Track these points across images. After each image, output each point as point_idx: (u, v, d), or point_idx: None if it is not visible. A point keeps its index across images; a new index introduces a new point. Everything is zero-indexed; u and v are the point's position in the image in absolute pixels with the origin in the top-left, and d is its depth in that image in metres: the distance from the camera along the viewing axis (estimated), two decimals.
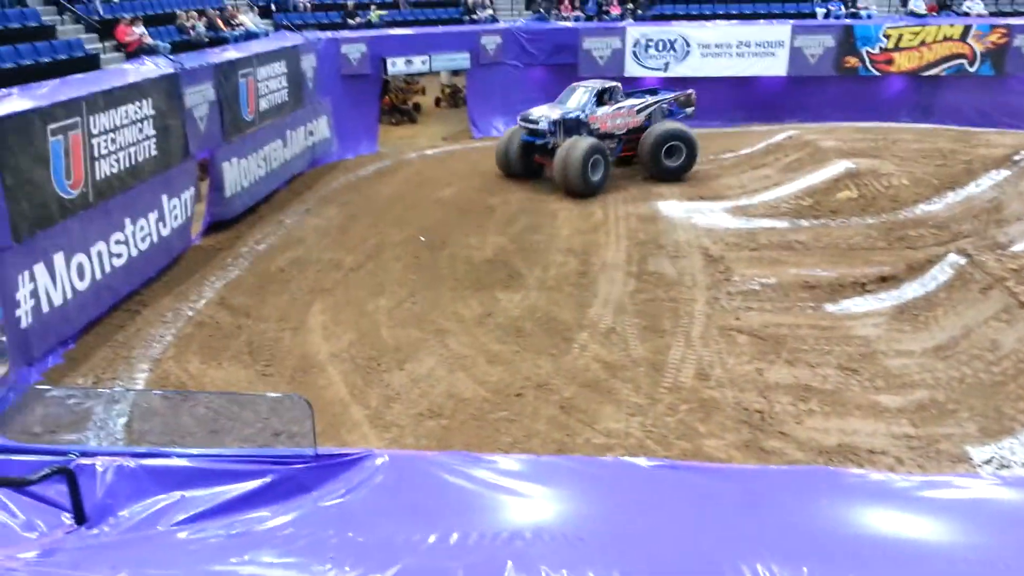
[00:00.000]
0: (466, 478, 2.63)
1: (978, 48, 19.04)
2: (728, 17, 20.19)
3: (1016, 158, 11.67)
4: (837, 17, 20.14)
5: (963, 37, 19.08)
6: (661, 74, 19.24)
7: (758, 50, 19.21)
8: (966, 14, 20.03)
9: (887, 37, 19.10)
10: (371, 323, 8.62)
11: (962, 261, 8.66)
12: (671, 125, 14.05)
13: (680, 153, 13.83)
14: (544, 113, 13.92)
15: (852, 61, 19.10)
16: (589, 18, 20.30)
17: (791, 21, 19.45)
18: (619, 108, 14.19)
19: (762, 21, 19.65)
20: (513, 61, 18.87)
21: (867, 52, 19.07)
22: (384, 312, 8.87)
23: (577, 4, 20.62)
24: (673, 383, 7.15)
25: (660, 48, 19.16)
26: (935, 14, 20.16)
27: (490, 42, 18.53)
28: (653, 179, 13.90)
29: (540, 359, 7.68)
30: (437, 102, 22.44)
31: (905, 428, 6.26)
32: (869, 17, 20.12)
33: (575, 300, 9.09)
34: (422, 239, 11.14)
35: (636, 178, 14.14)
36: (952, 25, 19.28)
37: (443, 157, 16.77)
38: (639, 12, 20.47)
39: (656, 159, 13.82)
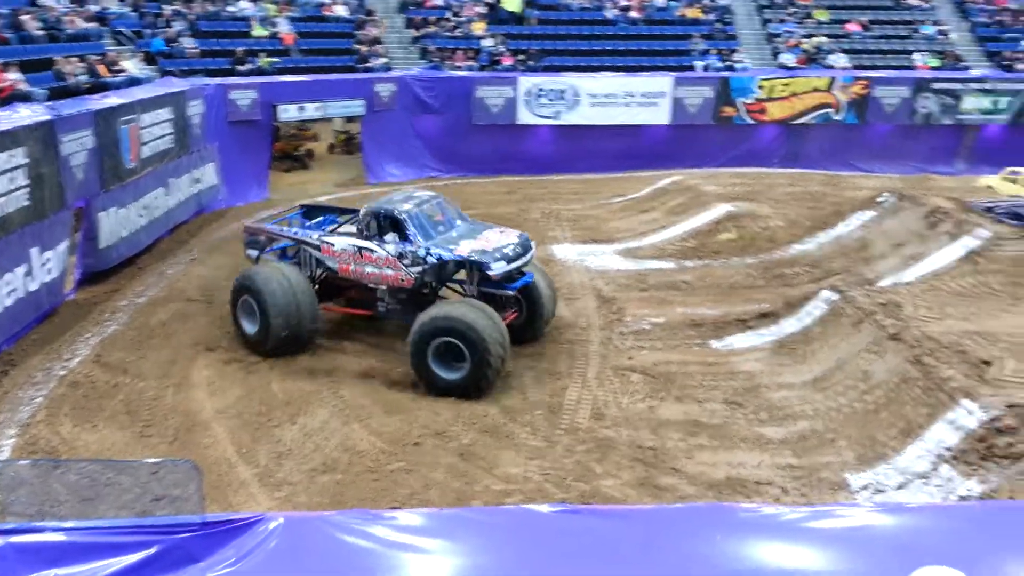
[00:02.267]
0: (365, 537, 2.57)
1: (843, 98, 20.60)
2: (614, 69, 21.08)
3: (879, 200, 12.61)
4: (715, 70, 21.38)
5: (829, 88, 20.62)
6: (553, 122, 19.86)
7: (643, 100, 20.12)
8: (831, 67, 21.68)
9: (761, 88, 20.41)
10: (260, 376, 8.34)
11: (835, 297, 9.23)
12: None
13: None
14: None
15: (729, 111, 20.28)
16: (482, 68, 20.75)
17: (672, 73, 20.51)
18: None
19: (645, 73, 20.63)
20: (407, 109, 19.05)
21: (742, 102, 20.29)
22: (274, 364, 8.61)
23: (470, 55, 21.05)
24: (570, 424, 7.25)
25: (551, 97, 19.77)
26: (804, 66, 21.70)
27: (384, 89, 18.63)
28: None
29: (438, 406, 7.63)
30: (331, 148, 22.28)
31: (788, 459, 6.57)
32: (744, 69, 21.45)
33: None
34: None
35: (528, 221, 14.39)
36: (819, 77, 20.82)
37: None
38: (530, 63, 21.10)
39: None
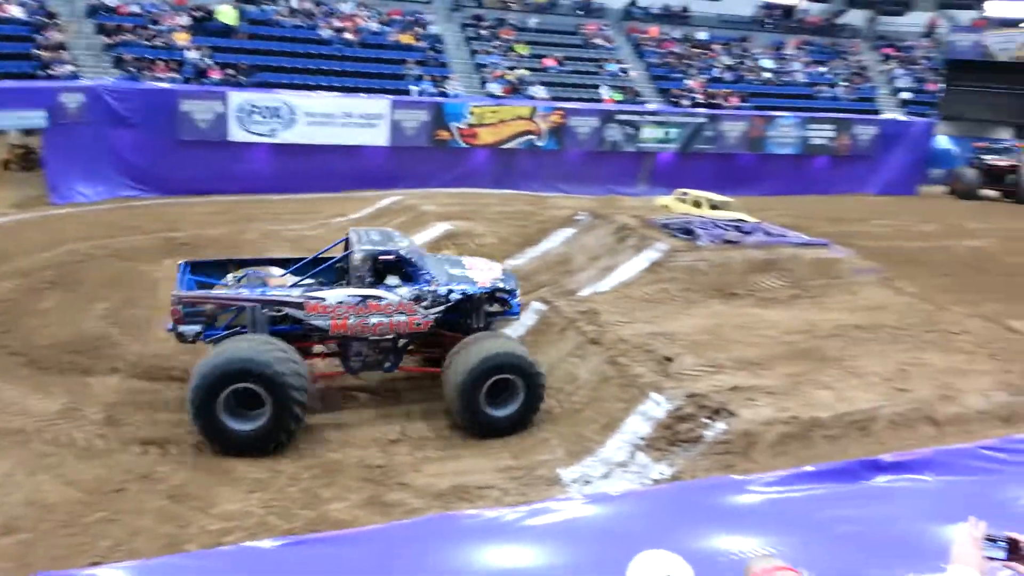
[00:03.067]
0: None
1: (543, 126, 22.39)
2: (330, 89, 20.92)
3: (577, 218, 13.86)
4: (429, 95, 22.12)
5: (531, 116, 22.30)
6: (269, 140, 19.15)
7: (361, 121, 20.21)
8: (533, 97, 23.50)
9: (472, 114, 21.50)
10: None
11: (544, 307, 9.98)
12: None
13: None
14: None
15: (444, 134, 21.10)
16: (187, 80, 19.42)
17: (390, 96, 20.86)
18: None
19: (364, 95, 20.74)
20: (100, 122, 17.20)
21: (456, 127, 21.22)
22: None
23: (173, 66, 19.61)
24: (295, 452, 7.01)
25: (266, 115, 19.08)
26: (509, 96, 23.29)
27: (72, 100, 16.68)
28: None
29: (143, 447, 6.95)
30: (5, 164, 19.41)
31: (507, 461, 6.96)
32: (456, 96, 22.46)
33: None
34: None
35: (245, 243, 13.71)
36: (523, 106, 22.45)
37: (13, 227, 14.48)
38: (241, 78, 20.17)
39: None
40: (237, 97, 18.82)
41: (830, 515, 4.47)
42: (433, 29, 25.36)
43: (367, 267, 7.76)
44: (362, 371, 8.18)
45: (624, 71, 26.69)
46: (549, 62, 25.68)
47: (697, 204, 16.91)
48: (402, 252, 7.92)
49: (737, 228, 13.03)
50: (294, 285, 7.90)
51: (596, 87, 25.39)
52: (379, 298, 7.74)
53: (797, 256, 11.82)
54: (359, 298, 7.69)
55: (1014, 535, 2.16)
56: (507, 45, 25.81)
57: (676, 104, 25.54)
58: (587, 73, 26.07)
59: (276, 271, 8.49)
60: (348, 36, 23.21)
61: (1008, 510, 4.50)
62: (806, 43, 31.38)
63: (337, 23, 23.55)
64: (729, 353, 8.54)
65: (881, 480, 4.85)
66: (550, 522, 4.04)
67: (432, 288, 7.93)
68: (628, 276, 11.15)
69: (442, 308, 7.97)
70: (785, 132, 25.49)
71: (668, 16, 30.33)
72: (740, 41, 30.37)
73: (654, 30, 29.21)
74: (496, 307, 8.50)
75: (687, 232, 12.30)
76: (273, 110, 19.10)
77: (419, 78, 22.84)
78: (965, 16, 32.73)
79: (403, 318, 7.84)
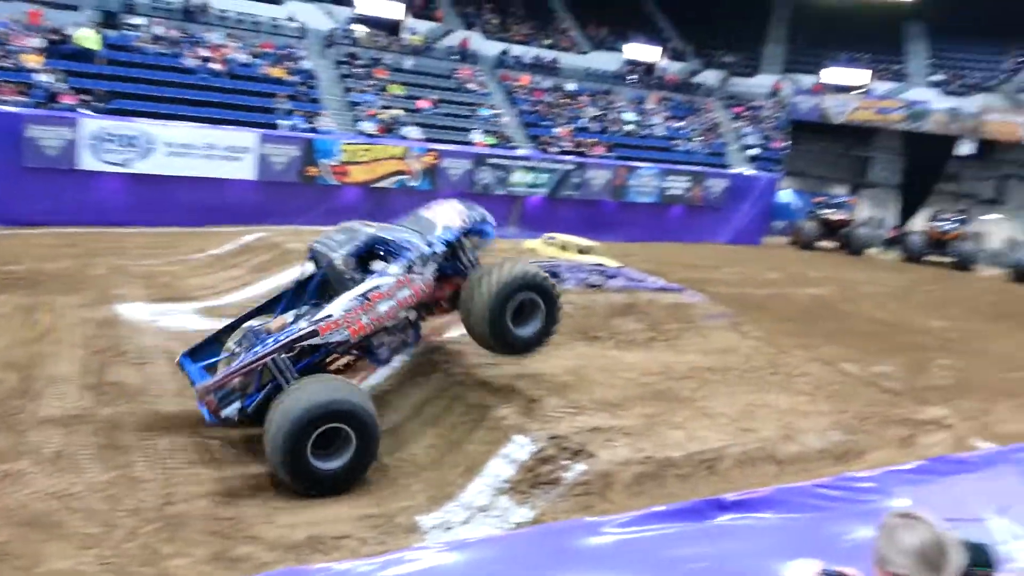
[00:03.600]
0: None
1: (417, 166, 22.47)
2: (194, 119, 20.15)
3: None
4: (300, 130, 21.75)
5: (404, 157, 22.33)
6: (123, 170, 18.16)
7: (226, 154, 19.54)
8: (406, 137, 23.59)
9: (344, 151, 21.28)
10: None
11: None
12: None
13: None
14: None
15: (314, 171, 20.75)
16: (38, 104, 18.19)
17: (258, 130, 20.33)
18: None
19: (229, 127, 20.11)
20: None
21: (327, 164, 20.92)
22: None
23: (23, 88, 18.32)
24: (135, 505, 6.54)
25: (122, 143, 18.10)
26: (383, 135, 23.27)
27: None
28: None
29: None
30: None
31: (367, 508, 6.78)
32: (328, 133, 22.20)
33: (7, 424, 7.71)
34: None
35: (91, 278, 12.85)
36: (396, 146, 22.47)
37: None
38: (97, 104, 19.10)
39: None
40: (91, 124, 17.77)
41: (679, 554, 4.63)
42: (305, 64, 25.07)
43: (351, 267, 7.87)
44: (391, 358, 8.48)
45: (496, 116, 27.33)
46: (423, 104, 25.93)
47: (564, 248, 17.38)
48: (375, 236, 8.12)
49: (601, 273, 13.50)
50: (295, 320, 7.87)
51: (469, 130, 25.84)
52: (377, 287, 7.79)
53: (655, 301, 12.37)
54: (360, 297, 7.71)
55: (846, 570, 2.30)
56: (381, 85, 25.88)
57: (545, 151, 26.36)
58: (460, 116, 26.51)
59: (265, 318, 8.37)
60: (215, 66, 22.53)
61: (840, 546, 4.82)
62: (665, 99, 33.34)
63: (204, 52, 22.82)
64: (591, 394, 8.78)
65: (725, 518, 5.08)
66: (405, 572, 3.97)
67: (416, 253, 8.05)
68: None
69: (434, 265, 8.19)
70: (645, 182, 26.80)
71: (539, 66, 31.43)
72: (605, 94, 31.88)
73: (526, 79, 30.18)
74: (475, 239, 8.73)
75: (553, 275, 12.61)
76: (129, 139, 18.14)
77: (290, 112, 22.43)
78: (806, 81, 35.84)
79: (407, 292, 7.96)
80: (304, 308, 8.13)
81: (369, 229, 8.31)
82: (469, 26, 31.96)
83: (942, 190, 33.48)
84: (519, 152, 25.43)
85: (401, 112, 24.74)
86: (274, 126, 21.55)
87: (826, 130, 33.87)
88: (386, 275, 7.89)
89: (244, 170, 19.73)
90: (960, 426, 9.42)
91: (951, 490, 5.10)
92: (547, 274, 8.41)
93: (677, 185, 27.54)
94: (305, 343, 7.49)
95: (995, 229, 32.82)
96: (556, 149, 26.62)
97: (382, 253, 8.13)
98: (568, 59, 32.77)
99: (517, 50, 31.68)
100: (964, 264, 27.60)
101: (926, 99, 32.51)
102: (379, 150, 21.98)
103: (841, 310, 17.49)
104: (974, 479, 5.12)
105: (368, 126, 23.51)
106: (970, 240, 29.65)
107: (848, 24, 35.59)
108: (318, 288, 8.28)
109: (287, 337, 7.45)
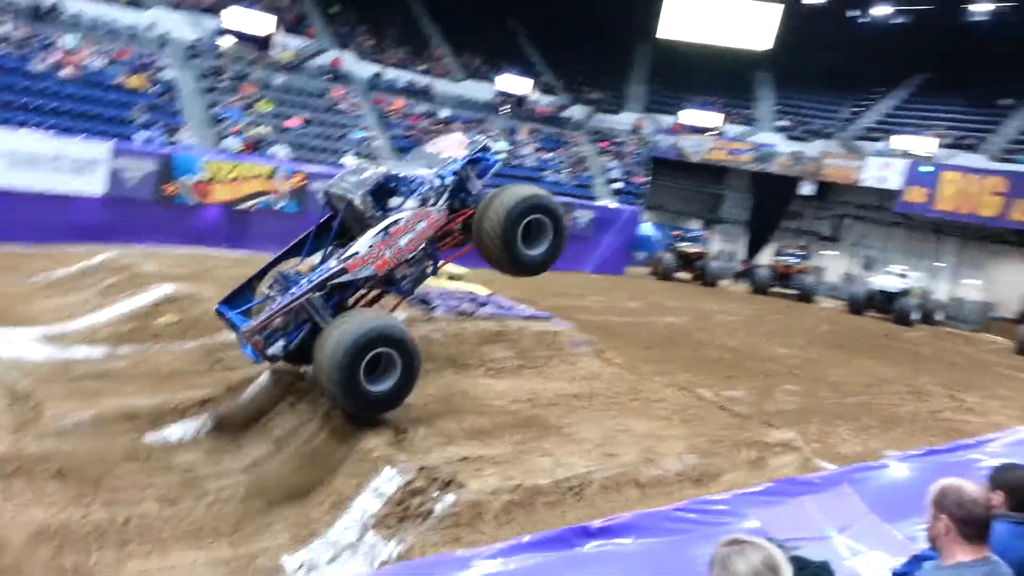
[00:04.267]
0: None
1: (284, 187, 21.85)
2: (39, 127, 18.74)
3: None
4: (158, 144, 20.67)
5: (271, 176, 21.67)
6: None
7: (74, 167, 18.26)
8: (274, 156, 22.90)
9: (205, 169, 20.39)
10: None
11: (273, 379, 9.54)
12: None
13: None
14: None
15: (172, 188, 19.74)
16: None
17: (110, 141, 19.14)
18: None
19: (78, 137, 18.82)
20: None
21: (186, 181, 19.97)
22: None
23: None
24: None
25: None
26: (249, 152, 22.48)
27: None
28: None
29: None
30: None
31: (224, 551, 6.46)
32: (190, 148, 21.22)
33: None
34: None
35: None
36: (263, 165, 21.76)
37: None
38: None
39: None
40: None
41: None
42: (167, 75, 23.91)
43: (371, 205, 8.28)
44: (414, 290, 9.06)
45: (368, 139, 27.09)
46: (293, 122, 25.31)
47: (435, 274, 17.38)
48: (387, 174, 8.58)
49: (472, 300, 13.58)
50: (322, 260, 8.38)
51: (340, 152, 25.43)
52: (396, 221, 8.19)
53: (524, 328, 12.56)
54: (382, 232, 8.12)
55: None
56: (249, 101, 25.05)
57: None
58: (331, 138, 26.07)
59: (292, 263, 8.92)
60: (66, 72, 21.08)
61: (696, 568, 5.06)
62: (536, 131, 34.22)
63: (53, 57, 21.31)
64: (461, 423, 8.77)
65: (591, 546, 5.21)
66: None
67: (427, 186, 8.50)
68: None
69: (445, 195, 8.58)
70: None
71: (413, 91, 31.48)
72: (479, 122, 32.33)
73: (399, 103, 30.11)
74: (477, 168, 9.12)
75: (424, 302, 12.57)
76: None
77: (147, 125, 21.28)
78: (666, 120, 37.85)
79: (423, 224, 8.37)
80: (328, 249, 8.62)
81: (381, 168, 8.76)
82: (343, 46, 31.58)
83: (786, 227, 36.22)
84: None
85: (268, 130, 24.03)
86: (129, 138, 20.37)
87: (683, 167, 35.88)
88: (403, 210, 8.36)
89: (93, 185, 18.49)
90: (805, 448, 10.12)
91: (798, 510, 5.45)
92: (551, 194, 9.11)
93: None
94: (336, 281, 7.99)
95: (832, 264, 35.80)
96: None
97: (396, 189, 8.57)
98: (442, 85, 33.02)
99: (391, 73, 31.58)
100: (806, 296, 29.84)
101: (773, 142, 35.14)
102: (245, 169, 21.22)
103: (696, 338, 18.44)
104: (818, 499, 5.49)
105: (233, 143, 22.66)
106: (811, 274, 32.18)
107: (704, 69, 38.03)
108: (338, 229, 8.70)
109: (319, 277, 7.94)
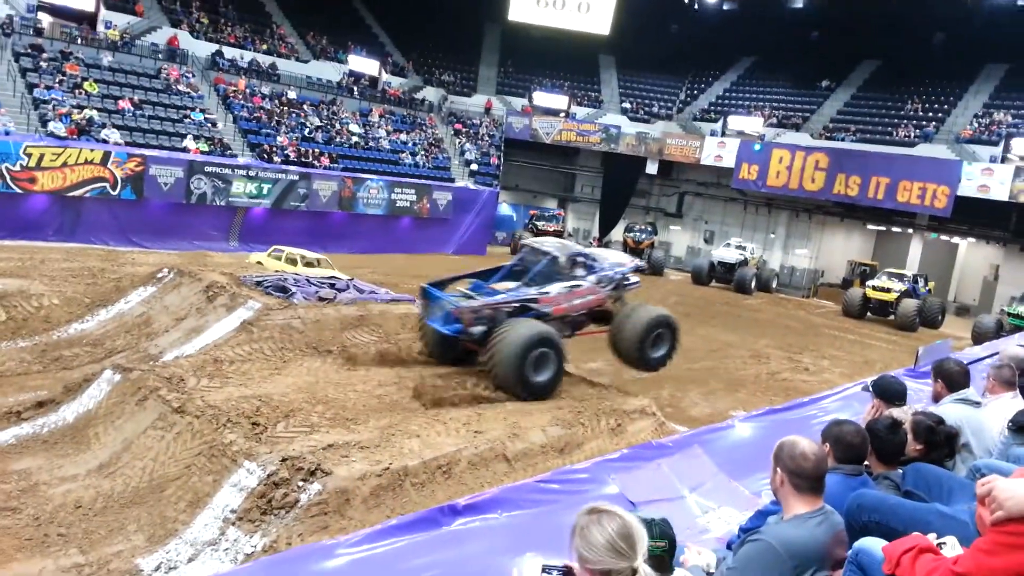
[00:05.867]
0: None
1: (119, 174, 20.37)
2: None
3: (159, 275, 12.83)
4: None
5: (104, 162, 20.13)
6: None
7: None
8: (105, 141, 21.22)
9: (28, 155, 18.68)
10: None
11: (117, 376, 8.96)
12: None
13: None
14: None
15: None
16: None
17: None
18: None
19: None
20: None
21: (7, 169, 18.22)
22: None
23: None
24: None
25: None
26: (75, 137, 20.71)
27: None
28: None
29: None
30: None
31: (74, 558, 6.04)
32: (7, 134, 19.30)
33: None
34: None
35: None
36: (93, 150, 20.15)
37: None
38: None
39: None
40: None
41: (415, 565, 4.71)
42: None
43: (569, 264, 11.07)
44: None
45: (211, 122, 25.69)
46: (124, 104, 23.57)
47: (292, 261, 16.87)
48: (584, 251, 11.68)
49: (331, 286, 13.31)
50: (516, 288, 10.85)
51: (180, 135, 23.98)
52: (579, 285, 10.99)
53: (386, 312, 12.47)
54: (568, 288, 10.87)
55: (569, 563, 2.45)
56: (73, 81, 23.07)
57: (268, 160, 25.31)
58: (169, 120, 24.50)
59: (473, 281, 11.23)
60: None
61: (562, 538, 5.24)
62: (389, 112, 33.70)
63: None
64: (324, 411, 8.61)
65: (458, 523, 5.28)
66: None
67: (606, 273, 11.26)
68: (218, 337, 10.62)
69: (613, 286, 11.32)
70: (373, 194, 26.90)
71: (257, 71, 30.10)
72: (329, 104, 31.41)
73: (242, 83, 28.72)
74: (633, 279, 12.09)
75: (282, 290, 12.20)
76: None
77: None
78: (518, 103, 38.33)
79: (592, 297, 11.11)
80: (517, 283, 11.09)
81: (580, 246, 12.06)
82: (175, 23, 29.64)
83: (636, 204, 37.78)
84: (239, 160, 24.14)
85: (96, 113, 22.24)
86: None
87: (537, 148, 36.56)
88: (586, 280, 11.10)
89: None
90: (659, 413, 10.69)
91: (654, 473, 5.75)
92: (673, 316, 11.69)
93: (404, 197, 27.96)
94: (528, 303, 10.51)
95: (678, 238, 37.78)
96: (279, 159, 25.65)
97: (584, 263, 11.29)
98: (288, 66, 31.74)
99: (231, 52, 30.01)
100: (657, 269, 31.33)
101: (618, 124, 36.46)
102: (73, 154, 19.58)
103: None
104: (671, 461, 5.81)
105: (58, 127, 20.80)
106: (659, 248, 33.79)
107: (552, 52, 38.75)
108: (514, 273, 11.40)
109: (522, 296, 10.58)
